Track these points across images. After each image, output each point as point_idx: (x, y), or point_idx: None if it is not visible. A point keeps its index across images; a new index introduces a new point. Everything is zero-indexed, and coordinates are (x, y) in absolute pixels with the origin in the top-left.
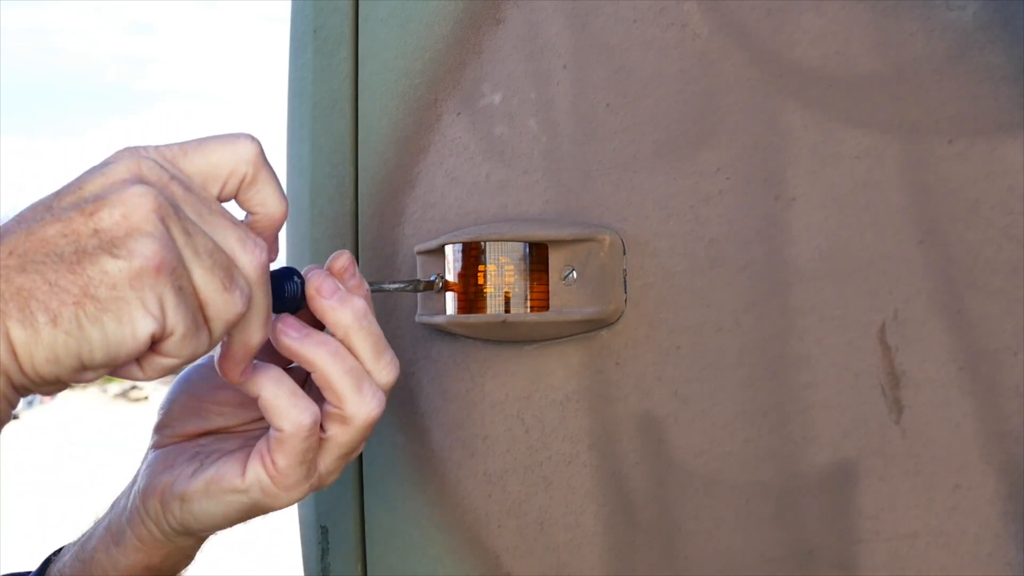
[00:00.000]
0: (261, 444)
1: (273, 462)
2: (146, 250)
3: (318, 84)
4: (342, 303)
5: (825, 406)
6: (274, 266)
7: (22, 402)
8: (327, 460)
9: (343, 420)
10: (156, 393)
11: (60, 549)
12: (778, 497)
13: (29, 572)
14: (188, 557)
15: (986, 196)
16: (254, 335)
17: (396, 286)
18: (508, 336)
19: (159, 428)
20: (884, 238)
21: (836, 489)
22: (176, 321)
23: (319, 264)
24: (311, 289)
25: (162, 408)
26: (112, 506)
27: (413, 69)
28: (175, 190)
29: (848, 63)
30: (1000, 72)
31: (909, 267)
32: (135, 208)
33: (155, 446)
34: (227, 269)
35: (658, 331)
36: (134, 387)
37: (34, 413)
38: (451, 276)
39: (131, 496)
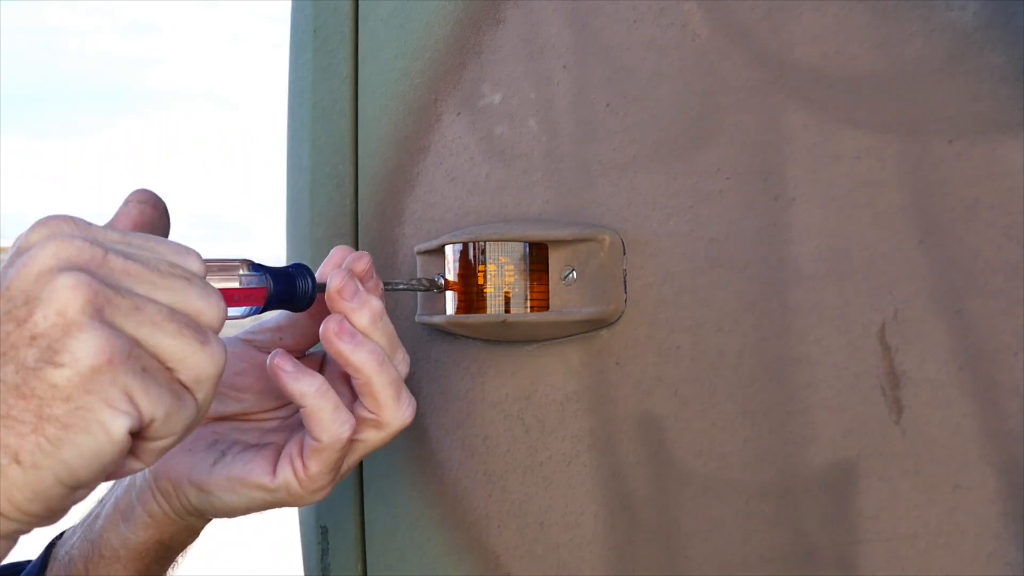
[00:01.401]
0: (291, 448)
1: (305, 467)
2: (90, 348)
3: (318, 84)
4: (361, 305)
5: (825, 406)
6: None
7: None
8: (350, 461)
9: (377, 426)
10: None
11: (62, 533)
12: (778, 497)
13: (31, 561)
14: (195, 533)
15: (986, 196)
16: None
17: (402, 286)
18: (508, 336)
19: None
20: (884, 238)
21: (836, 489)
22: (152, 405)
23: (323, 257)
24: (332, 290)
25: None
26: (116, 484)
27: (413, 69)
28: (113, 264)
29: (848, 63)
30: (1000, 72)
31: (909, 267)
32: (68, 303)
33: None
34: (195, 328)
35: (658, 331)
36: None
37: None
38: (451, 276)
39: (139, 474)
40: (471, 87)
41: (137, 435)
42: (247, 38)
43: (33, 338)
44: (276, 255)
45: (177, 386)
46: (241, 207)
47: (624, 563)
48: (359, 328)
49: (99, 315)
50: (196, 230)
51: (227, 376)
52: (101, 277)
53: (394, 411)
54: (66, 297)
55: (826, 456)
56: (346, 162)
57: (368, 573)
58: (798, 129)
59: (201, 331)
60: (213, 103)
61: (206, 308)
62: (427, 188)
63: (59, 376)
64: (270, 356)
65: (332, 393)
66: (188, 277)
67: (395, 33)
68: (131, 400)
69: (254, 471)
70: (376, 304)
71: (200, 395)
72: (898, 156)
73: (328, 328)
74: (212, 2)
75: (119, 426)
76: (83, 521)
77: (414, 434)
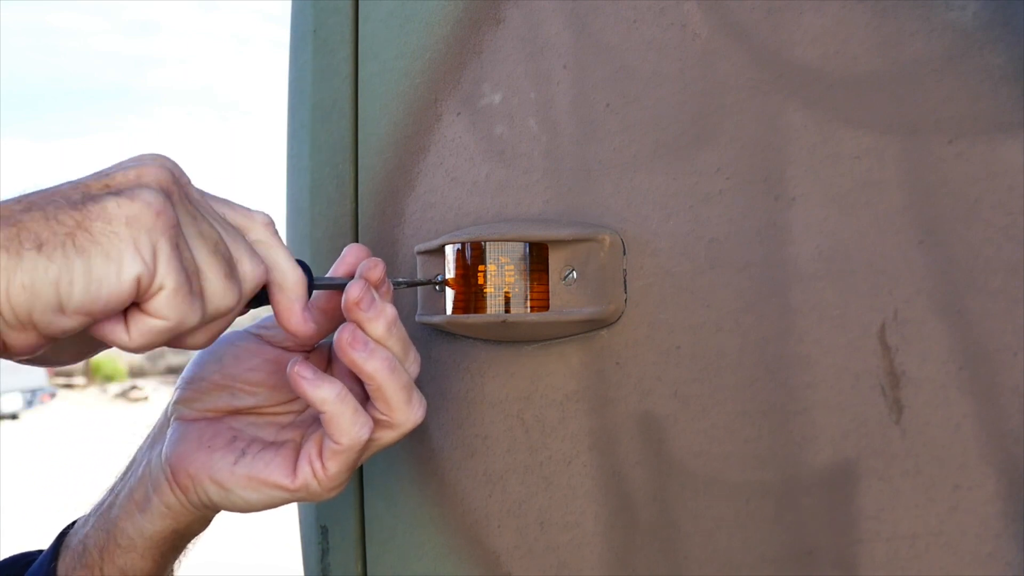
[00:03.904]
0: (310, 449)
1: (324, 468)
2: (149, 196)
3: (318, 84)
4: (377, 315)
5: (825, 406)
6: None
7: (22, 402)
8: (363, 457)
9: (390, 427)
10: (156, 393)
11: (73, 523)
12: (778, 497)
13: (41, 551)
14: (207, 522)
15: (986, 196)
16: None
17: (404, 282)
18: (508, 336)
19: (184, 401)
20: (884, 238)
21: (836, 489)
22: (166, 274)
23: (323, 257)
24: (350, 302)
25: (188, 382)
26: (128, 472)
27: (413, 69)
28: (194, 194)
29: (848, 63)
30: (1000, 72)
31: (909, 267)
32: (150, 172)
33: (180, 418)
34: (229, 262)
35: (658, 331)
36: (134, 387)
37: (34, 413)
38: (451, 276)
39: (154, 464)
40: (471, 87)
41: (137, 304)
42: (248, 38)
43: (107, 185)
44: None
45: (196, 282)
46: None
47: (624, 563)
48: (375, 337)
49: (167, 195)
50: None
51: (240, 371)
52: (184, 191)
53: (405, 413)
54: (151, 170)
55: (826, 456)
56: (346, 162)
57: (368, 573)
58: (798, 129)
59: (232, 268)
60: (214, 103)
61: (247, 261)
62: (427, 188)
63: (112, 204)
64: (290, 364)
65: (351, 398)
66: (246, 240)
67: (395, 33)
68: (154, 257)
69: (275, 472)
70: (391, 312)
71: (206, 309)
72: (898, 156)
73: (342, 338)
74: (213, 2)
75: (132, 267)
76: (95, 510)
77: (414, 434)
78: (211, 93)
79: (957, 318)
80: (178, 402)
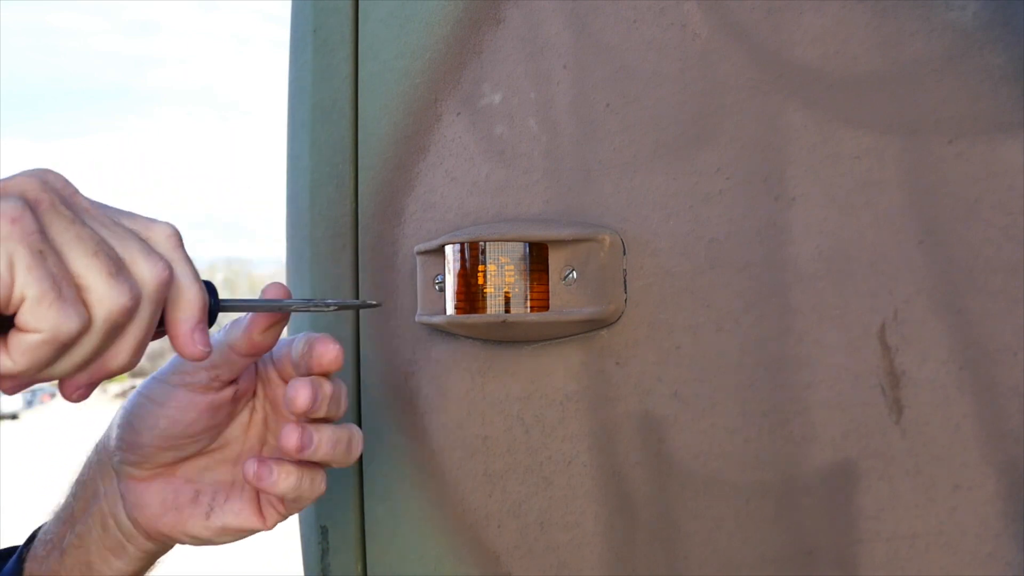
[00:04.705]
0: (270, 497)
1: (287, 510)
2: (3, 206)
3: (318, 84)
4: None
5: (825, 406)
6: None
7: (22, 402)
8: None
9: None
10: None
11: (35, 534)
12: (778, 497)
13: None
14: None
15: (986, 196)
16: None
17: (335, 303)
18: (508, 336)
19: (131, 464)
20: (884, 238)
21: (836, 489)
22: (26, 282)
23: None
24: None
25: (130, 447)
26: (79, 513)
27: (413, 69)
28: (80, 201)
29: (848, 63)
30: (1000, 72)
31: (909, 267)
32: (14, 183)
33: (133, 479)
34: (115, 262)
35: (658, 331)
36: (134, 387)
37: (34, 413)
38: (451, 276)
39: (121, 522)
40: (471, 87)
41: (9, 323)
42: (248, 38)
43: None
44: (277, 255)
45: (76, 298)
46: (242, 207)
47: (624, 563)
48: (318, 459)
49: (33, 206)
50: (197, 230)
51: (179, 430)
52: (62, 198)
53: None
54: (15, 181)
55: (826, 456)
56: (346, 162)
57: (368, 573)
58: (798, 129)
59: (118, 267)
60: (214, 103)
61: (142, 261)
62: (427, 188)
63: None
64: (245, 465)
65: (306, 474)
66: (141, 239)
67: (395, 33)
68: (11, 267)
69: (246, 520)
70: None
71: (95, 317)
72: (898, 156)
73: (288, 444)
74: (213, 2)
75: None
76: (54, 543)
77: (414, 434)
78: (211, 93)
79: (957, 318)
80: (124, 463)
